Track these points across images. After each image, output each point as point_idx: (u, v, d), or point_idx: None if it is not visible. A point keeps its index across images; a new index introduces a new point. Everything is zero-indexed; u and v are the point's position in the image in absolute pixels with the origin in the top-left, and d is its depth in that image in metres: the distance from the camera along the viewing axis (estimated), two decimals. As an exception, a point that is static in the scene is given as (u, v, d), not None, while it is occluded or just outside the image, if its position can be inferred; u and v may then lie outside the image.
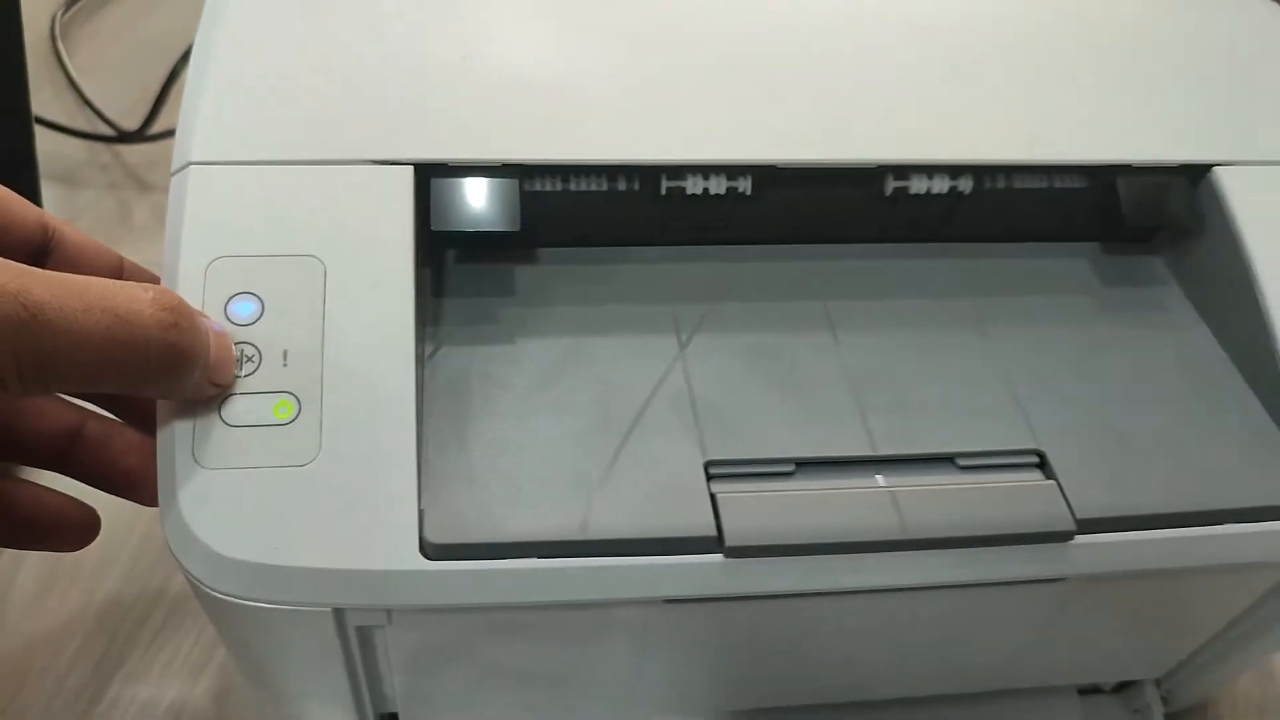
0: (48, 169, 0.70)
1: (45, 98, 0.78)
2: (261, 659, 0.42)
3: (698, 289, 0.45)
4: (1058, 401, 0.42)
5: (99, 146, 0.77)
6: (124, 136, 0.76)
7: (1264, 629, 0.49)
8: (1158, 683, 0.55)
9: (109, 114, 0.77)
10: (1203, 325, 0.46)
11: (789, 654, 0.46)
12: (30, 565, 0.58)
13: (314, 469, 0.36)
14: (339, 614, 0.37)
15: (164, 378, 0.33)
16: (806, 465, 0.39)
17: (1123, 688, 0.57)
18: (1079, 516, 0.38)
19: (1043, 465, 0.40)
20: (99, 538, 0.57)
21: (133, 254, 0.71)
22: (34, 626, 0.56)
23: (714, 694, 0.50)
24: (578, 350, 0.42)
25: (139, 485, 0.41)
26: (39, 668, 0.54)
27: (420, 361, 0.39)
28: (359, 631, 0.40)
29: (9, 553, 0.58)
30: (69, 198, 0.74)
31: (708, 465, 0.39)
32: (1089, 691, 0.57)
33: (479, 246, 0.44)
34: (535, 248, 0.45)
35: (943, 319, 0.45)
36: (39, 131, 0.68)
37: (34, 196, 0.62)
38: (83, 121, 0.77)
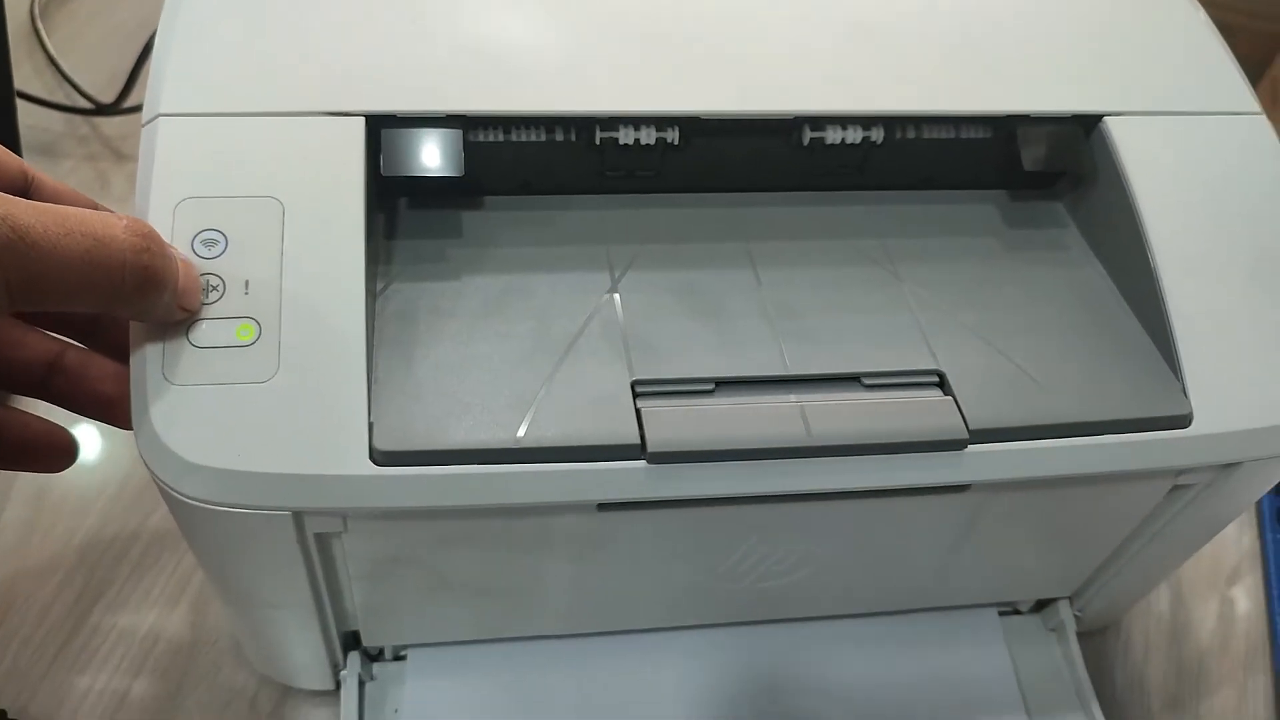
0: (29, 141, 0.74)
1: (26, 74, 0.81)
2: (230, 569, 0.45)
3: (630, 232, 0.49)
4: (960, 330, 0.46)
5: (77, 119, 0.80)
6: (101, 109, 0.79)
7: (1161, 544, 0.53)
8: (1071, 602, 0.60)
9: (86, 89, 0.80)
10: (1096, 263, 0.50)
11: (718, 570, 0.50)
12: (13, 506, 0.61)
13: (273, 385, 0.39)
14: (298, 518, 0.41)
15: (137, 298, 0.37)
16: (725, 384, 0.43)
17: (1039, 609, 0.61)
18: (973, 427, 0.42)
19: (942, 384, 0.44)
20: (79, 483, 0.61)
21: (110, 221, 0.74)
22: (18, 562, 0.59)
23: (653, 610, 0.54)
24: (518, 285, 0.46)
25: (113, 409, 0.45)
26: (23, 598, 0.58)
27: (372, 295, 0.43)
28: (318, 539, 0.44)
29: (-6, 495, 0.62)
30: (49, 168, 0.77)
31: (634, 384, 0.42)
32: (1009, 613, 0.61)
33: (428, 193, 0.48)
34: (481, 196, 0.49)
35: (856, 258, 0.49)
36: (20, 105, 0.71)
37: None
38: (61, 97, 0.80)
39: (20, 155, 0.66)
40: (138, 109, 0.79)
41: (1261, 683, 0.63)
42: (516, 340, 0.43)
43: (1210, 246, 0.47)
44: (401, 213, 0.48)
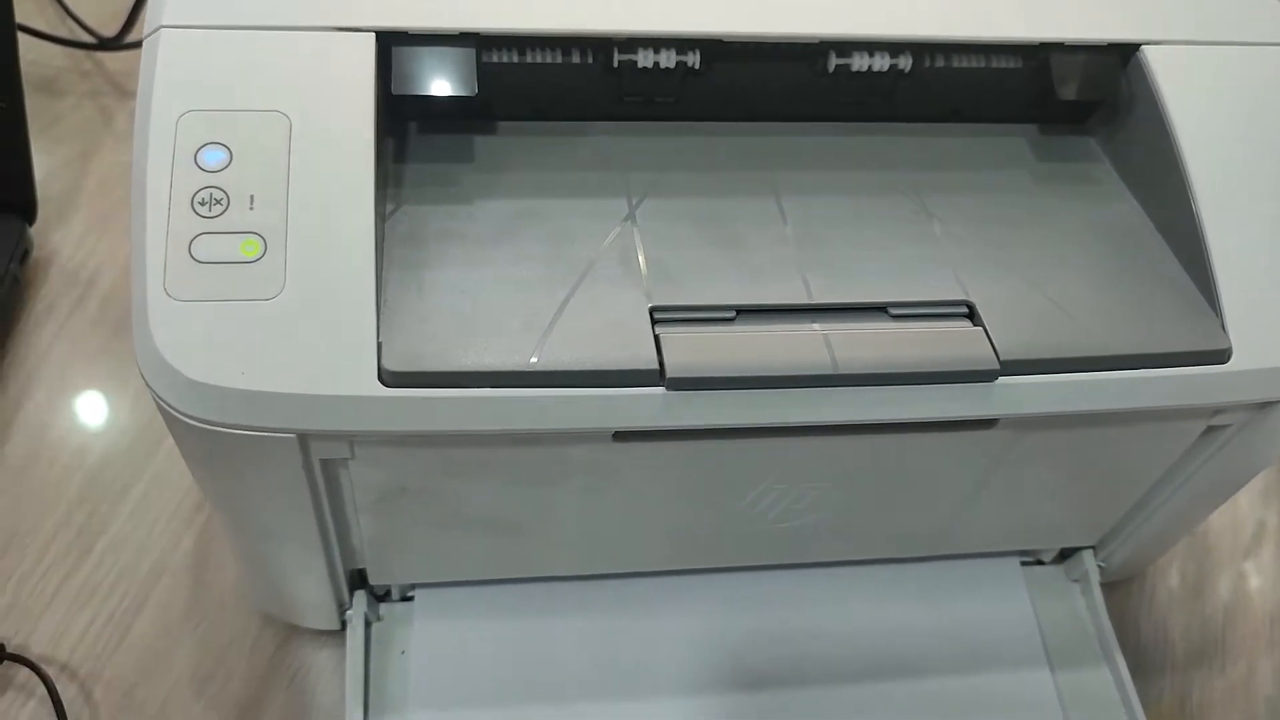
0: (31, 77, 0.72)
1: (28, 8, 0.80)
2: (234, 497, 0.44)
3: (649, 160, 0.47)
4: (990, 262, 0.45)
5: (80, 54, 0.79)
6: (104, 44, 0.78)
7: (1191, 490, 0.51)
8: (1095, 552, 0.58)
9: (89, 23, 0.79)
10: (1131, 197, 0.48)
11: (734, 509, 0.49)
12: (14, 443, 0.61)
13: (279, 303, 0.38)
14: (304, 442, 0.40)
15: None
16: (746, 312, 0.42)
17: (1062, 559, 0.60)
18: (1004, 358, 0.41)
19: (971, 315, 0.43)
20: (81, 422, 0.60)
21: (113, 158, 0.73)
22: (19, 498, 0.58)
23: (666, 551, 0.53)
24: (532, 210, 0.44)
25: None
26: (23, 534, 0.57)
27: (381, 217, 0.41)
28: (324, 467, 0.42)
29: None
30: (51, 104, 0.76)
31: (652, 310, 0.41)
32: (1031, 563, 0.60)
33: (439, 117, 0.47)
34: (494, 121, 0.47)
35: (882, 189, 0.47)
36: (22, 40, 0.69)
37: (17, 103, 0.64)
38: (64, 31, 0.79)
39: (22, 91, 0.65)
40: (141, 44, 0.77)
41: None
42: (530, 264, 0.42)
43: (1251, 179, 0.46)
44: (412, 137, 0.47)
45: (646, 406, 0.40)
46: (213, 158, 0.40)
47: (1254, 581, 0.63)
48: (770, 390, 0.40)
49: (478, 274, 0.41)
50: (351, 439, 0.41)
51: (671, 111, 0.48)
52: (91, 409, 0.62)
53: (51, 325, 0.65)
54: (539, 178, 0.46)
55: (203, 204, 0.39)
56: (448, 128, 0.47)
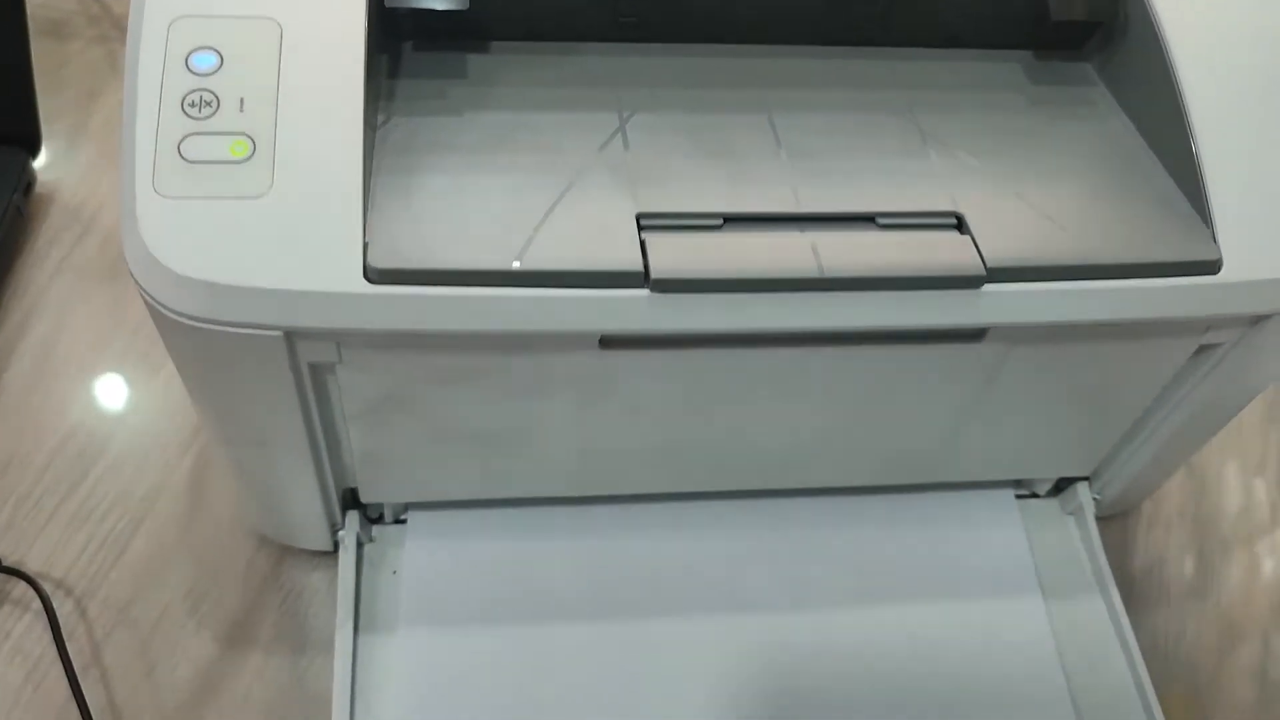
0: (38, 20, 0.72)
1: (34, -49, 0.80)
2: (224, 402, 0.44)
3: (642, 78, 0.47)
4: (981, 176, 0.44)
5: (88, -1, 0.80)
6: (111, -14, 0.79)
7: (1185, 414, 0.51)
8: (1090, 484, 0.58)
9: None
10: (1124, 117, 0.48)
11: (725, 424, 0.49)
12: (14, 368, 0.61)
13: (266, 201, 0.38)
14: (291, 341, 0.40)
15: None
16: (734, 220, 0.42)
17: (1057, 492, 0.60)
18: (990, 265, 0.41)
19: (960, 226, 0.43)
20: (82, 346, 0.60)
21: (118, 99, 0.73)
22: (17, 421, 0.59)
23: (658, 472, 0.53)
24: (523, 123, 0.44)
25: None
26: (21, 456, 0.58)
27: (372, 127, 0.42)
28: (313, 371, 0.43)
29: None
30: (58, 48, 0.76)
31: (639, 216, 0.41)
32: (1026, 496, 0.59)
33: (433, 35, 0.47)
34: (488, 40, 0.47)
35: (876, 108, 0.47)
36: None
37: (21, 34, 0.65)
38: (70, -27, 0.80)
39: (28, 36, 0.66)
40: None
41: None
42: (519, 172, 0.42)
43: (1244, 97, 0.45)
44: (406, 55, 0.47)
45: (631, 309, 0.40)
46: (203, 62, 0.40)
47: (1253, 512, 0.63)
48: (755, 294, 0.40)
49: (467, 180, 0.41)
50: (338, 339, 0.41)
51: (666, 34, 0.48)
52: (91, 340, 0.63)
53: (54, 257, 0.65)
54: (531, 93, 0.46)
55: (193, 105, 0.39)
56: (441, 46, 0.47)
